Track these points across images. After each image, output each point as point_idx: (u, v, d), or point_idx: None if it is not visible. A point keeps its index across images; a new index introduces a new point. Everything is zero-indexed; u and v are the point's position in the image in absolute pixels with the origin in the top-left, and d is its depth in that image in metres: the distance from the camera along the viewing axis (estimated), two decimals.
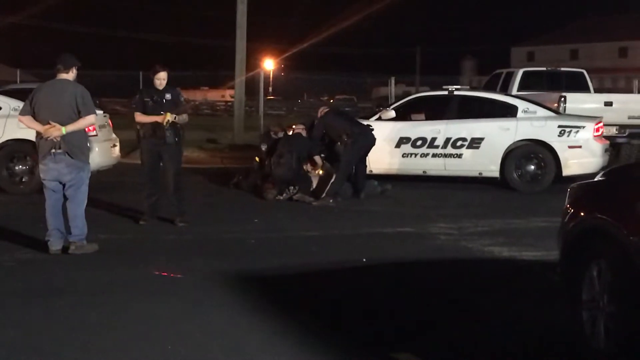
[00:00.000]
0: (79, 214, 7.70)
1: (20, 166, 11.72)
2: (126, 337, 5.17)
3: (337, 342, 5.13)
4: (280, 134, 12.16)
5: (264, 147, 12.32)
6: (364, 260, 7.44)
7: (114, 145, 12.52)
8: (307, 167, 11.68)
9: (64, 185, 7.70)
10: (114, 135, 12.75)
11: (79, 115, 7.64)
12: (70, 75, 7.80)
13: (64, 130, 7.55)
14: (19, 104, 11.73)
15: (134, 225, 9.26)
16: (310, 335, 5.23)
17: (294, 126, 12.33)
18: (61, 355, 4.84)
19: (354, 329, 5.47)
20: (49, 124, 7.58)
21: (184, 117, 9.29)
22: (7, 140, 11.63)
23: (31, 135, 11.53)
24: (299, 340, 5.12)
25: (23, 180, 11.70)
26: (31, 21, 52.63)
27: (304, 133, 11.95)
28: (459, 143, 12.90)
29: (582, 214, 4.92)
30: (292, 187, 11.34)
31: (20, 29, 53.49)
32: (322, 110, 12.22)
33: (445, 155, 12.96)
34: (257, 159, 12.67)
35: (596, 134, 12.87)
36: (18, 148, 11.60)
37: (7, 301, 6.01)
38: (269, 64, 44.49)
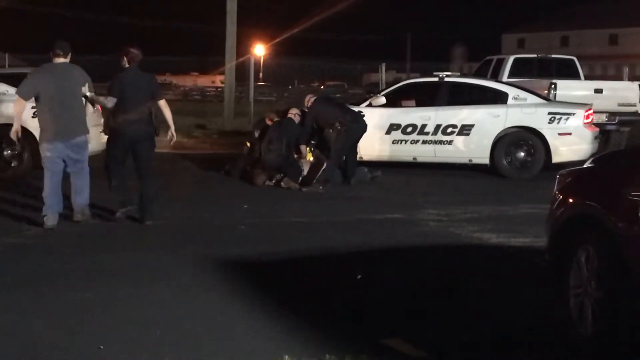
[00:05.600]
0: (87, 186, 8.32)
1: (9, 151, 11.62)
2: (115, 322, 5.16)
3: (326, 327, 5.13)
4: (277, 120, 12.02)
5: (256, 134, 12.24)
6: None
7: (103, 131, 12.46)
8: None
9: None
10: (102, 120, 12.68)
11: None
12: (68, 60, 8.27)
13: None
14: (7, 89, 11.67)
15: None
16: (299, 321, 5.23)
17: (291, 110, 12.15)
18: (50, 339, 4.83)
19: (344, 314, 5.48)
20: (61, 107, 8.05)
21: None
22: None
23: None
24: (288, 325, 5.13)
25: (12, 165, 11.61)
26: (14, 4, 52.19)
27: (296, 118, 11.84)
28: (449, 130, 12.91)
29: (570, 200, 4.93)
30: (281, 174, 11.33)
31: (6, 13, 53.09)
32: (309, 99, 12.02)
33: (436, 142, 12.96)
34: (247, 144, 12.62)
35: (586, 121, 12.90)
36: (7, 132, 11.50)
37: None
38: (259, 50, 44.30)
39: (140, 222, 8.42)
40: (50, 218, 8.02)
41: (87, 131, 8.32)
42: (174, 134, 8.72)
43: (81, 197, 8.26)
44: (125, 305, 5.56)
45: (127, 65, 8.50)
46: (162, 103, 8.68)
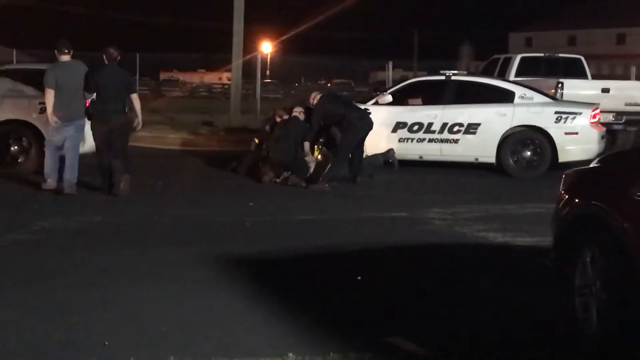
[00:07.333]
0: (77, 164, 9.90)
1: (16, 147, 11.62)
2: (120, 319, 5.17)
3: (329, 325, 5.13)
4: (286, 117, 12.03)
5: (267, 128, 12.27)
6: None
7: None
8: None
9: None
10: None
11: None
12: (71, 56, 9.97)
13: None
14: (14, 85, 11.70)
15: (128, 208, 9.26)
16: (303, 319, 5.23)
17: (295, 109, 12.17)
18: (54, 336, 4.85)
19: (347, 312, 5.48)
20: (71, 96, 9.69)
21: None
22: (1, 122, 11.52)
23: (25, 116, 11.53)
24: (292, 323, 5.13)
25: (19, 160, 11.60)
26: (21, 0, 52.26)
27: (301, 116, 11.86)
28: (455, 128, 12.89)
29: (576, 200, 4.92)
30: (288, 172, 11.33)
31: (15, 9, 53.12)
32: (315, 97, 12.02)
33: (442, 141, 12.95)
34: (255, 140, 12.61)
35: (593, 120, 12.86)
36: (13, 129, 11.53)
37: (0, 282, 6.01)
38: (266, 47, 44.31)
39: (113, 193, 9.76)
40: (52, 182, 9.77)
41: (85, 115, 9.90)
42: (140, 123, 10.22)
43: (72, 174, 9.75)
44: (130, 302, 5.57)
45: (106, 62, 9.81)
46: (134, 96, 10.03)
